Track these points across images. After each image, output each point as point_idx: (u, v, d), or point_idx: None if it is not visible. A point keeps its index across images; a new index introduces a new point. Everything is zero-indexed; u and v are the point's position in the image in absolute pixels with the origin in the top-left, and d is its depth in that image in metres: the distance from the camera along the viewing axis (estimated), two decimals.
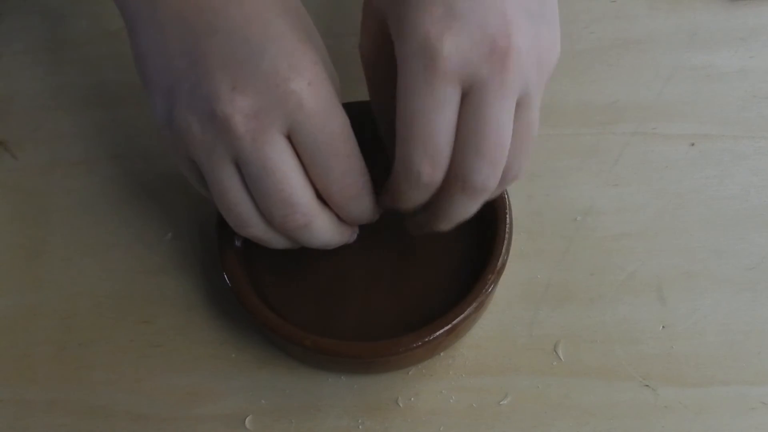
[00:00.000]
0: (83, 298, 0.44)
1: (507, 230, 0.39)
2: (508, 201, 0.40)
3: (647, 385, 0.40)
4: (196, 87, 0.34)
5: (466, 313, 0.38)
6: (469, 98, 0.32)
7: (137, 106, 0.49)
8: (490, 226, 0.40)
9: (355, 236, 0.39)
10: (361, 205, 0.36)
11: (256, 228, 0.36)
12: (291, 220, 0.35)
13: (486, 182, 0.33)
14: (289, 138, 0.34)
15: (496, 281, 0.39)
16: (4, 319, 0.43)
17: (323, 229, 0.36)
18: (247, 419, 0.40)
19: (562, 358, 0.40)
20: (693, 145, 0.46)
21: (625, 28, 0.50)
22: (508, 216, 0.40)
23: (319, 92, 0.33)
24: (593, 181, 0.45)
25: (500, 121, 0.32)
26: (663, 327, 0.41)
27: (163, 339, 0.42)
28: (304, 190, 0.35)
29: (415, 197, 0.35)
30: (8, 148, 0.48)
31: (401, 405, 0.40)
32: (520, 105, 0.33)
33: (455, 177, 0.33)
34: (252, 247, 0.40)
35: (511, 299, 0.42)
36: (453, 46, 0.31)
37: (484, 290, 0.38)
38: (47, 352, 0.42)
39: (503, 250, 0.39)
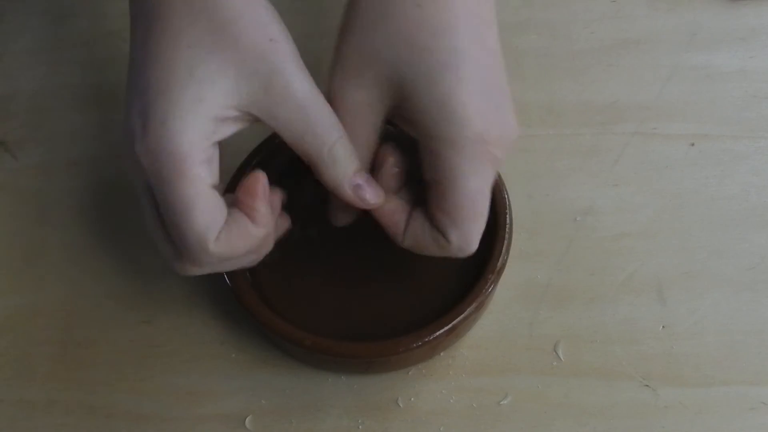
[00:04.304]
0: (83, 298, 0.44)
1: (507, 230, 0.39)
2: (508, 201, 0.40)
3: (647, 385, 0.40)
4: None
5: (466, 313, 0.38)
6: None
7: None
8: (490, 226, 0.40)
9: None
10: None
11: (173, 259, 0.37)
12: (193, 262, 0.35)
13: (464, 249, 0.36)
14: None
15: (496, 281, 0.39)
16: (4, 319, 0.43)
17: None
18: (247, 419, 0.40)
19: (562, 358, 0.40)
20: (693, 145, 0.46)
21: (625, 28, 0.50)
22: (508, 216, 0.40)
23: (155, 157, 0.33)
24: (593, 181, 0.45)
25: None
26: (663, 327, 0.41)
27: (163, 339, 0.42)
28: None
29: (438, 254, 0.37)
30: (8, 148, 0.48)
31: (401, 405, 0.40)
32: None
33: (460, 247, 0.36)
34: None
35: (511, 299, 0.42)
36: (499, 141, 0.34)
37: (484, 290, 0.38)
38: (47, 352, 0.42)
39: (503, 250, 0.39)
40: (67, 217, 0.46)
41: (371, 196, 0.36)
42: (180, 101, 0.32)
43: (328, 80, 0.35)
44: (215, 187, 0.34)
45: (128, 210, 0.46)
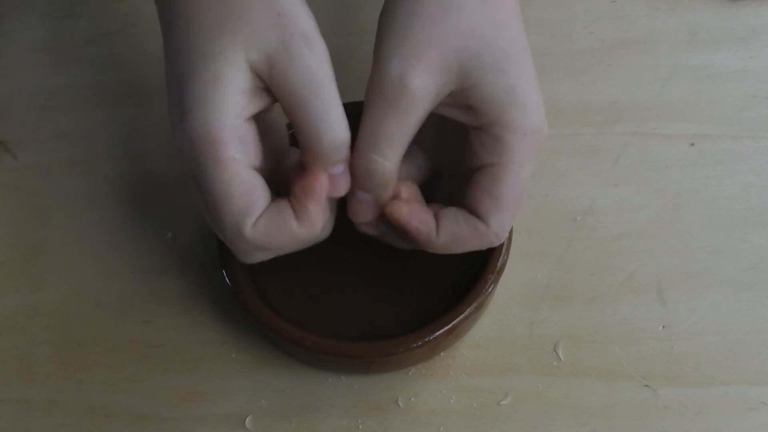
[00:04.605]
0: (83, 298, 0.44)
1: None
2: None
3: (647, 385, 0.40)
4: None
5: (466, 313, 0.38)
6: None
7: (137, 106, 0.49)
8: None
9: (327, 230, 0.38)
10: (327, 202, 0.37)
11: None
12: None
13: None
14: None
15: (496, 281, 0.39)
16: (4, 319, 0.43)
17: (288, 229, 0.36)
18: (247, 419, 0.40)
19: (562, 358, 0.40)
20: (693, 145, 0.46)
21: (625, 28, 0.50)
22: None
23: (190, 148, 0.33)
24: (593, 181, 0.45)
25: None
26: (663, 327, 0.41)
27: (163, 339, 0.42)
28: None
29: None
30: (8, 148, 0.48)
31: (401, 405, 0.40)
32: None
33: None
34: None
35: (511, 299, 0.42)
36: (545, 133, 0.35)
37: (484, 290, 0.38)
38: (47, 352, 0.42)
39: (503, 250, 0.39)
40: (67, 217, 0.46)
41: (345, 185, 0.36)
42: (201, 84, 0.33)
43: (377, 64, 0.34)
44: (257, 168, 0.34)
45: (128, 210, 0.46)
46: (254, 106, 0.34)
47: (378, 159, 0.35)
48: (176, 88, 0.34)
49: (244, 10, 0.33)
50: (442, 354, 0.41)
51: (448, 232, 0.36)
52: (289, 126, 0.37)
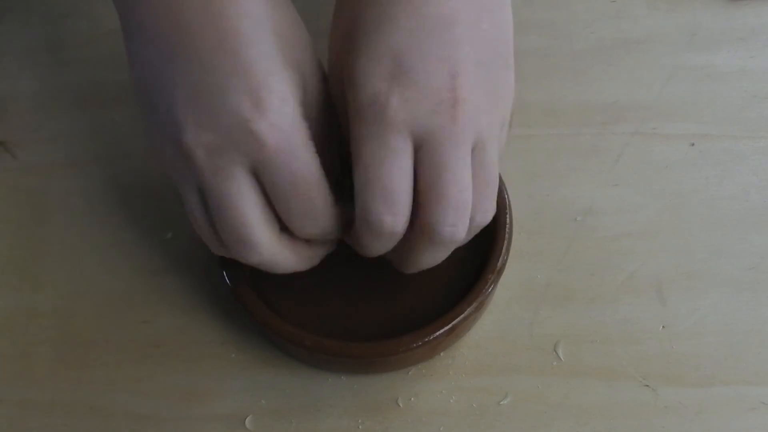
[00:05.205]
0: (83, 298, 0.44)
1: (507, 230, 0.39)
2: (508, 201, 0.40)
3: (647, 385, 0.40)
4: (166, 112, 0.33)
5: (466, 313, 0.38)
6: (423, 149, 0.33)
7: (137, 106, 0.48)
8: (489, 226, 0.40)
9: (318, 261, 0.39)
10: (325, 242, 0.37)
11: (220, 251, 0.37)
12: (248, 256, 0.35)
13: (454, 230, 0.34)
14: (256, 173, 0.33)
15: (496, 281, 0.39)
16: (4, 319, 0.43)
17: (283, 264, 0.36)
18: (247, 419, 0.40)
19: (562, 358, 0.40)
20: (693, 145, 0.46)
21: (625, 28, 0.50)
22: (508, 216, 0.40)
23: (282, 133, 0.32)
24: (593, 181, 0.45)
25: (456, 170, 0.33)
26: (663, 327, 0.41)
27: (163, 339, 0.42)
28: (263, 229, 0.34)
29: (378, 246, 0.35)
30: (8, 148, 0.48)
31: (401, 405, 0.40)
32: (475, 151, 0.34)
33: (422, 228, 0.34)
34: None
35: (511, 299, 0.42)
36: (400, 101, 0.32)
37: (484, 290, 0.38)
38: (47, 352, 0.42)
39: (503, 250, 0.39)
40: (67, 217, 0.46)
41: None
42: (276, 68, 0.33)
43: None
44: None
45: (128, 210, 0.46)
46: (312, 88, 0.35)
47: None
48: (242, 76, 0.32)
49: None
50: (442, 354, 0.41)
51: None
52: None
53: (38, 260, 0.45)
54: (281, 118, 0.32)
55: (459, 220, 0.33)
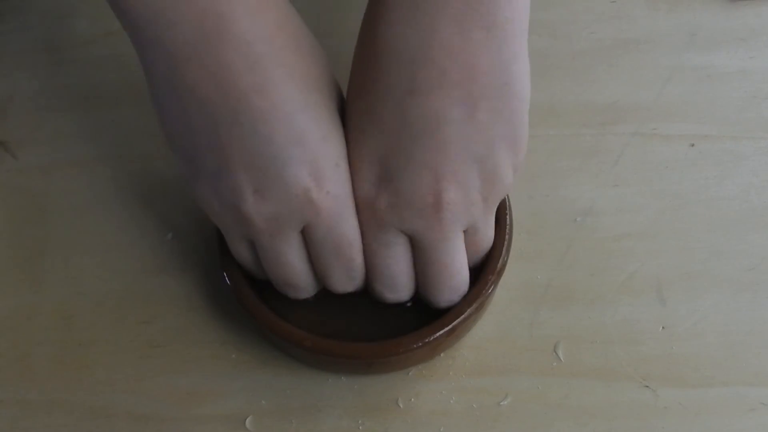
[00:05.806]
0: (83, 298, 0.44)
1: (507, 231, 0.39)
2: (508, 201, 0.40)
3: (647, 386, 0.40)
4: (218, 175, 0.34)
5: (466, 313, 0.38)
6: (415, 242, 0.36)
7: (137, 106, 0.48)
8: None
9: None
10: (354, 289, 0.39)
11: (262, 277, 0.39)
12: (294, 295, 0.39)
13: (451, 299, 0.38)
14: (302, 230, 0.36)
15: (496, 282, 0.39)
16: (4, 319, 0.43)
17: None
18: (247, 420, 0.40)
19: (562, 358, 0.40)
20: (693, 145, 0.46)
21: (625, 28, 0.50)
22: (508, 216, 0.40)
23: (336, 199, 0.35)
24: (593, 182, 0.45)
25: (447, 260, 0.36)
26: (663, 328, 0.41)
27: (163, 339, 0.42)
28: (306, 276, 0.38)
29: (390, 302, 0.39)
30: (8, 148, 0.48)
31: (401, 405, 0.40)
32: (468, 232, 0.36)
33: (425, 297, 0.38)
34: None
35: (511, 300, 0.42)
36: (388, 206, 0.35)
37: (484, 291, 0.38)
38: (47, 352, 0.42)
39: (503, 251, 0.39)
40: (67, 217, 0.46)
41: None
42: (330, 138, 0.34)
43: None
44: None
45: (128, 210, 0.46)
46: None
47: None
48: (294, 145, 0.33)
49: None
50: (442, 355, 0.41)
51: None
52: None
53: (38, 260, 0.45)
54: (337, 187, 0.35)
55: (455, 295, 0.38)
